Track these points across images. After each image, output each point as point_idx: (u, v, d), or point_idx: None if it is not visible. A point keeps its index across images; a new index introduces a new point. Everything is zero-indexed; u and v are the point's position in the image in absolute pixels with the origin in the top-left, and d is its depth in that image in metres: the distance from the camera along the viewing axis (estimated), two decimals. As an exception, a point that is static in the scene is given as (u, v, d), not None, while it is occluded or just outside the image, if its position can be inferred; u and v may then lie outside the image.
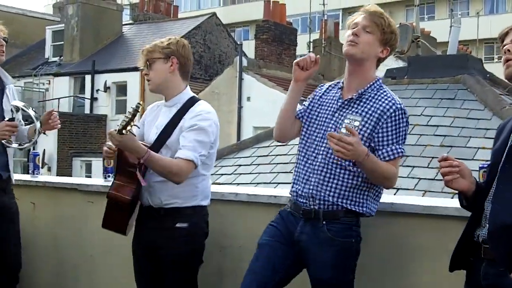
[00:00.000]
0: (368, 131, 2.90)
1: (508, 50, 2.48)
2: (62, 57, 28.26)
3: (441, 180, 2.80)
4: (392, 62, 11.65)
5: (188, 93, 3.46)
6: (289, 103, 3.10)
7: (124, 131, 3.05)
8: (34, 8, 71.35)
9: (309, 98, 3.19)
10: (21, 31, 27.91)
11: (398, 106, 2.94)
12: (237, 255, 3.75)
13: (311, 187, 2.95)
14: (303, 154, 3.06)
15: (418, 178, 7.05)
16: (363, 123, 2.91)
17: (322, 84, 3.24)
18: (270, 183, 7.52)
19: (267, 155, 8.57)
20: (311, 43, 25.58)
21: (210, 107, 3.42)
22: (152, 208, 3.38)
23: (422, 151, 7.57)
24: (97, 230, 3.94)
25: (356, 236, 2.96)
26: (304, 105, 3.15)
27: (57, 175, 19.75)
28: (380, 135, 2.90)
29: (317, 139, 3.00)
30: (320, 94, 3.15)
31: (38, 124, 3.94)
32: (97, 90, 26.06)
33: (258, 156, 8.64)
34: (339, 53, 24.10)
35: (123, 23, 30.29)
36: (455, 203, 2.93)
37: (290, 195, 3.11)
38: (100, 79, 25.88)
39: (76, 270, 4.60)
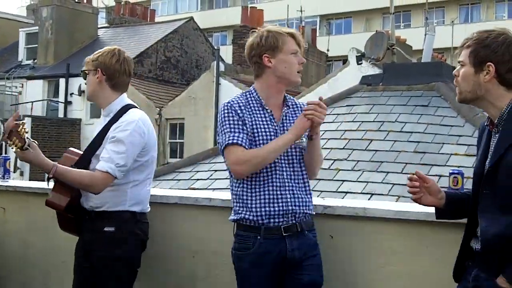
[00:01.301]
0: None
1: (455, 75, 2.57)
2: (35, 60, 27.77)
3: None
4: (367, 69, 11.73)
5: (120, 102, 3.48)
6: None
7: (24, 147, 3.09)
8: (7, 10, 70.40)
9: (237, 122, 3.02)
10: (-7, 33, 27.52)
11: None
12: (211, 261, 3.73)
13: (289, 202, 3.00)
14: (269, 175, 3.00)
15: (392, 183, 7.11)
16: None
17: (227, 102, 3.10)
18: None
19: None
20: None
21: (134, 116, 3.38)
22: (87, 210, 3.43)
23: (396, 157, 7.64)
24: (69, 236, 3.91)
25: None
26: (241, 130, 3.00)
27: (30, 180, 19.48)
28: None
29: (281, 158, 3.04)
30: (240, 111, 3.05)
31: (1, 126, 3.88)
32: (71, 94, 25.70)
33: (234, 161, 8.59)
34: (316, 59, 24.25)
35: (99, 26, 29.94)
36: (427, 208, 2.97)
37: (258, 221, 2.98)
38: (74, 83, 25.51)
39: (47, 277, 4.53)
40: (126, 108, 3.44)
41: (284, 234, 2.98)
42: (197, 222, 3.84)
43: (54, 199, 3.42)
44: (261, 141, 3.00)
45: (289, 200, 2.99)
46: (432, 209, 2.99)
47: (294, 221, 2.99)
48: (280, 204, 2.97)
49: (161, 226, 3.90)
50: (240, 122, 3.01)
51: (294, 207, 2.99)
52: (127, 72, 3.51)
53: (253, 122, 3.03)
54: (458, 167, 4.79)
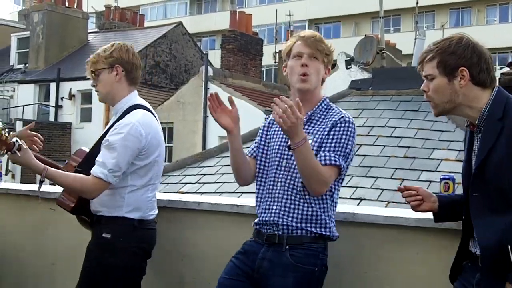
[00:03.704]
0: (318, 144, 2.88)
1: (424, 91, 2.58)
2: (27, 65, 27.97)
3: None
4: (357, 73, 11.74)
5: (129, 101, 3.37)
6: (234, 157, 3.03)
7: (13, 150, 3.08)
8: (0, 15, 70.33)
9: (259, 134, 3.15)
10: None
11: (347, 118, 2.91)
12: (199, 264, 3.71)
13: (273, 215, 2.90)
14: (262, 185, 3.02)
15: (381, 189, 7.09)
16: (315, 139, 2.89)
17: (267, 117, 3.19)
18: (234, 192, 7.48)
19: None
20: (277, 54, 25.69)
21: (132, 118, 3.25)
22: (92, 214, 3.38)
23: (385, 162, 7.63)
24: (60, 238, 3.89)
25: (321, 266, 2.89)
26: (256, 141, 3.12)
27: (21, 182, 19.44)
28: (324, 142, 2.88)
29: (273, 167, 2.98)
30: (268, 125, 3.12)
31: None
32: (62, 98, 25.82)
33: (223, 166, 8.59)
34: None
35: (89, 31, 30.11)
36: (416, 214, 2.94)
37: (253, 226, 3.05)
38: (65, 87, 25.63)
39: (37, 279, 4.50)
40: (131, 109, 3.32)
41: (265, 242, 2.92)
42: (185, 226, 3.81)
43: (63, 200, 3.38)
44: (271, 151, 3.02)
45: (274, 211, 2.90)
46: (422, 215, 2.98)
47: (277, 232, 2.89)
48: (268, 215, 2.92)
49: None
50: (260, 132, 3.13)
51: (277, 219, 2.88)
52: (140, 65, 3.46)
53: (270, 132, 3.07)
54: (449, 172, 4.77)
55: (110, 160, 3.15)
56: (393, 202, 6.60)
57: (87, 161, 3.31)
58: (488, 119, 2.46)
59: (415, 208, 2.75)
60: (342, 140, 2.86)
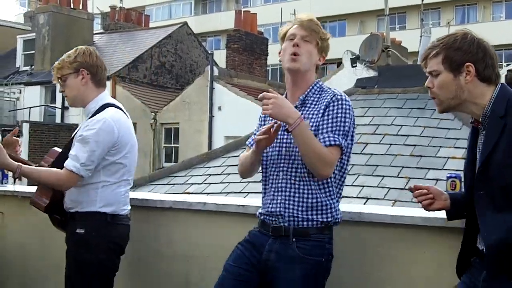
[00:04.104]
0: (314, 127, 2.85)
1: (429, 88, 2.56)
2: (33, 66, 28.07)
3: (410, 190, 2.80)
4: (362, 72, 11.70)
5: (100, 100, 3.47)
6: (252, 163, 3.04)
7: None
8: (5, 18, 70.65)
9: (257, 125, 3.15)
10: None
11: (339, 96, 2.89)
12: (205, 265, 3.70)
13: (278, 205, 2.89)
14: (265, 175, 3.02)
15: (388, 187, 7.06)
16: (310, 123, 2.86)
17: None
18: (240, 192, 7.47)
19: (237, 165, 8.49)
20: (283, 53, 25.54)
21: (105, 114, 3.35)
22: (66, 211, 3.46)
23: (392, 161, 7.59)
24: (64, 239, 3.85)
25: (328, 255, 2.88)
26: (255, 133, 3.10)
27: (28, 185, 19.42)
28: (320, 124, 2.86)
29: (274, 157, 2.95)
30: (265, 117, 3.10)
31: None
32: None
33: (228, 166, 8.58)
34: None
35: (94, 32, 30.16)
36: (423, 213, 2.92)
37: (257, 216, 3.04)
38: (70, 88, 25.61)
39: (43, 280, 4.52)
40: (103, 108, 3.41)
41: (271, 234, 2.91)
42: (191, 227, 3.81)
43: (36, 199, 3.48)
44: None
45: (279, 202, 2.88)
46: (429, 214, 2.95)
47: (282, 224, 2.87)
48: (273, 205, 2.90)
49: (155, 230, 3.91)
50: (258, 123, 3.14)
51: (283, 209, 2.86)
52: (105, 67, 3.55)
53: (267, 123, 3.01)
54: (456, 170, 4.73)
55: (83, 154, 3.25)
56: (400, 201, 6.57)
57: (59, 160, 3.41)
58: (491, 116, 2.44)
59: (426, 208, 2.74)
60: (338, 119, 2.83)
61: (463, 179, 2.64)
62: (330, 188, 2.88)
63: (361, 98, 9.30)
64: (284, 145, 2.90)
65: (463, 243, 2.62)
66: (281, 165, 2.91)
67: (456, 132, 7.88)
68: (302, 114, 2.86)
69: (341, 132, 2.81)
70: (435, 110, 8.61)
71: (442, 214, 2.91)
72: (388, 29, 11.93)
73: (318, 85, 2.99)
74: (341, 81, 12.81)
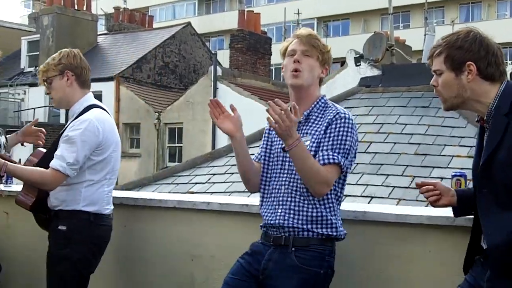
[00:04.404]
0: (316, 144, 2.85)
1: (434, 86, 2.56)
2: (37, 68, 27.91)
3: (415, 188, 2.79)
4: (366, 71, 11.68)
5: (85, 102, 3.53)
6: (241, 162, 3.02)
7: None
8: (10, 19, 70.85)
9: (263, 137, 3.15)
10: (-4, 42, 27.74)
11: (342, 114, 2.87)
12: (209, 264, 3.69)
13: (279, 217, 2.88)
14: (267, 188, 3.01)
15: (392, 186, 7.05)
16: (312, 139, 2.86)
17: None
18: (244, 191, 7.45)
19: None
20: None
21: (90, 114, 3.41)
22: (50, 210, 3.51)
23: (396, 159, 7.58)
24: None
25: (327, 267, 2.85)
26: (261, 146, 3.12)
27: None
28: (321, 142, 2.85)
29: (276, 170, 2.96)
30: (270, 128, 3.07)
31: (2, 139, 3.90)
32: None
33: (232, 165, 8.58)
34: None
35: (98, 33, 30.17)
36: (428, 211, 2.90)
37: (260, 228, 3.03)
38: (74, 89, 25.68)
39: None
40: (87, 109, 3.46)
41: (271, 244, 2.90)
42: (195, 226, 3.81)
43: (22, 198, 3.54)
44: (273, 154, 3.02)
45: (280, 214, 2.87)
46: (434, 212, 2.94)
47: (283, 234, 2.86)
48: (274, 218, 2.89)
49: (159, 230, 3.90)
50: (264, 135, 3.14)
51: (282, 221, 2.85)
52: (88, 68, 3.60)
53: (272, 135, 3.07)
54: (461, 169, 4.72)
55: (68, 154, 3.29)
56: (405, 200, 6.56)
57: (44, 160, 3.45)
58: (496, 114, 2.43)
59: (433, 204, 2.73)
60: (340, 137, 2.82)
61: (471, 177, 2.62)
62: (331, 204, 2.87)
63: (365, 97, 9.28)
64: (287, 159, 2.89)
65: (469, 241, 2.60)
66: (283, 179, 2.91)
67: (461, 131, 7.86)
68: (305, 129, 2.90)
69: (341, 150, 2.81)
70: (439, 108, 8.62)
71: (448, 213, 2.91)
72: (392, 28, 11.93)
73: (323, 100, 2.98)
74: (345, 80, 12.78)
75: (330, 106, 2.95)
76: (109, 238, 3.56)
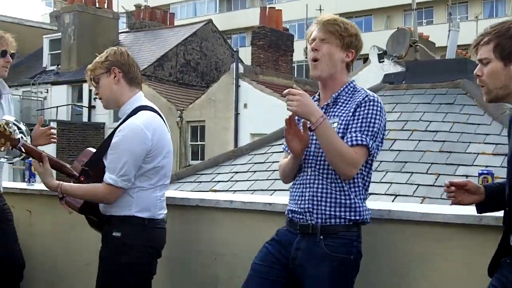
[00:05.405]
0: (344, 126, 2.83)
1: (478, 76, 2.49)
2: (59, 66, 28.36)
3: (440, 186, 2.74)
4: (389, 67, 11.59)
5: (135, 102, 3.39)
6: (291, 170, 2.99)
7: (18, 146, 3.36)
8: (32, 18, 71.61)
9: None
10: (18, 40, 27.55)
11: (371, 97, 2.85)
12: (232, 263, 3.69)
13: (307, 201, 2.87)
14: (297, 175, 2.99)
15: (416, 184, 6.98)
16: (340, 121, 2.84)
17: None
18: (266, 190, 7.45)
19: (263, 162, 8.50)
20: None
21: (136, 120, 3.25)
22: (100, 214, 3.43)
23: (421, 157, 7.50)
24: (93, 238, 3.86)
25: (356, 252, 2.85)
26: None
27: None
28: (350, 124, 2.83)
29: (304, 154, 2.92)
30: (298, 119, 3.02)
31: (28, 139, 3.85)
32: (95, 98, 25.80)
33: (255, 163, 8.57)
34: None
35: (120, 31, 30.35)
36: (454, 210, 2.85)
37: (285, 214, 3.02)
38: (97, 87, 25.88)
39: (71, 280, 4.54)
40: (136, 111, 3.33)
41: (298, 232, 2.89)
42: (217, 225, 3.80)
43: (70, 199, 3.44)
44: None
45: (307, 198, 2.86)
46: (459, 211, 2.88)
47: (310, 222, 2.85)
48: (301, 202, 2.88)
49: (182, 229, 3.90)
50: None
51: (311, 206, 2.84)
52: (137, 65, 3.48)
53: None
54: (486, 166, 4.66)
55: (117, 165, 3.19)
56: (429, 198, 6.49)
57: (93, 161, 3.38)
58: None
59: (460, 203, 2.68)
60: (368, 119, 2.80)
61: (499, 176, 2.56)
62: (357, 188, 2.85)
63: (389, 94, 9.20)
64: (313, 141, 2.86)
65: (500, 242, 2.53)
66: (310, 161, 2.89)
67: (486, 128, 7.76)
68: (333, 111, 2.87)
69: (369, 133, 2.78)
70: (464, 105, 8.50)
71: (474, 211, 2.86)
72: (415, 24, 11.81)
73: (352, 85, 2.97)
74: (368, 76, 12.70)
75: (359, 90, 2.93)
76: (165, 240, 3.46)
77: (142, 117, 3.28)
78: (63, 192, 3.30)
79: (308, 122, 2.74)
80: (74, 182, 3.42)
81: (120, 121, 3.36)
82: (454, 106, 8.43)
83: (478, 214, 2.80)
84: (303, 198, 2.88)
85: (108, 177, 3.21)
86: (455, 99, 8.56)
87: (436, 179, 6.80)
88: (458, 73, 8.98)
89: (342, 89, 2.93)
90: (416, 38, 11.24)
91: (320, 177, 2.85)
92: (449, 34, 11.09)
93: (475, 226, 2.90)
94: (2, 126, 3.37)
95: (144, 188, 3.29)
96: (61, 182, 3.30)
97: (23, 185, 4.91)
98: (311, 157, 2.88)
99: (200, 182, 8.69)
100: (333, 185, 2.83)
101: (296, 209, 2.90)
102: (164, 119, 3.48)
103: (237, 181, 8.26)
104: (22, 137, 3.42)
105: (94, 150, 3.51)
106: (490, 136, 7.54)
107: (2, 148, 3.33)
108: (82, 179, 3.39)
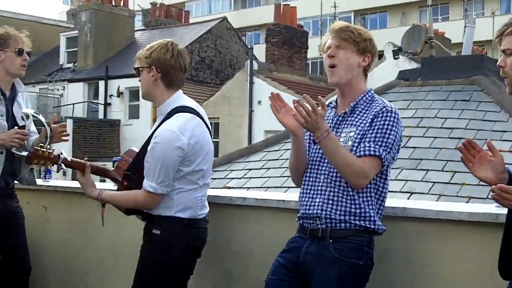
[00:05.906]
0: (360, 136, 2.82)
1: (501, 67, 2.40)
2: (76, 63, 28.60)
3: (456, 184, 2.70)
4: (405, 64, 11.52)
5: (173, 103, 3.30)
6: (298, 158, 3.00)
7: (58, 163, 3.39)
8: (49, 16, 72.11)
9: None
10: (35, 38, 27.56)
11: (388, 108, 2.84)
12: (246, 260, 3.68)
13: (317, 207, 2.86)
14: (307, 177, 2.98)
15: (432, 181, 6.93)
16: (357, 131, 2.84)
17: None
18: (280, 187, 7.43)
19: (277, 159, 8.49)
20: (323, 46, 25.42)
21: (172, 125, 3.18)
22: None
23: (436, 154, 7.45)
24: (107, 235, 3.88)
25: (367, 259, 2.82)
26: (305, 137, 3.04)
27: (72, 180, 19.84)
28: (366, 134, 2.82)
29: (317, 159, 2.93)
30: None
31: (49, 130, 3.82)
32: (111, 96, 26.28)
33: (268, 160, 8.55)
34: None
35: (135, 29, 30.56)
36: (469, 207, 2.82)
37: (296, 221, 3.02)
38: (113, 85, 26.09)
39: (85, 275, 4.55)
40: (174, 111, 3.24)
41: (308, 236, 2.89)
42: (230, 221, 3.80)
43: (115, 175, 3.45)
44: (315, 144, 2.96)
45: (317, 204, 2.86)
46: (475, 209, 2.84)
47: (320, 226, 2.85)
48: (311, 207, 2.88)
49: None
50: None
51: (320, 211, 2.84)
52: (182, 67, 3.32)
53: None
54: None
55: (155, 172, 3.16)
56: (445, 195, 6.44)
57: (135, 164, 3.32)
58: None
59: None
60: (384, 130, 2.79)
61: None
62: (369, 198, 2.84)
63: (404, 91, 9.14)
64: None
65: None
66: (323, 168, 2.90)
67: (503, 125, 7.69)
68: (350, 120, 2.89)
69: (383, 144, 2.78)
70: (480, 102, 8.40)
71: (490, 209, 2.82)
72: (431, 20, 11.75)
73: (370, 93, 2.96)
74: (383, 73, 12.63)
75: (377, 100, 2.92)
76: (205, 240, 3.43)
77: (177, 122, 3.19)
78: (104, 201, 3.33)
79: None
80: (117, 184, 3.46)
81: (157, 122, 3.31)
82: (470, 103, 8.36)
83: (494, 212, 2.75)
84: (313, 203, 2.89)
85: (147, 184, 3.18)
86: (471, 96, 8.48)
87: (452, 177, 6.74)
88: (474, 69, 8.91)
89: (360, 97, 2.93)
90: (431, 35, 11.17)
91: (332, 185, 2.85)
92: (464, 30, 11.02)
93: (491, 224, 2.86)
94: (39, 150, 3.37)
95: (184, 190, 3.26)
96: (102, 191, 3.31)
97: (39, 181, 4.93)
98: (324, 164, 2.89)
99: (214, 179, 8.68)
100: (344, 193, 2.83)
101: (306, 215, 2.90)
102: (205, 117, 3.40)
103: (251, 178, 8.25)
104: (61, 153, 3.40)
105: (137, 149, 3.43)
106: (507, 133, 7.47)
107: (43, 168, 3.43)
108: (125, 183, 3.34)
